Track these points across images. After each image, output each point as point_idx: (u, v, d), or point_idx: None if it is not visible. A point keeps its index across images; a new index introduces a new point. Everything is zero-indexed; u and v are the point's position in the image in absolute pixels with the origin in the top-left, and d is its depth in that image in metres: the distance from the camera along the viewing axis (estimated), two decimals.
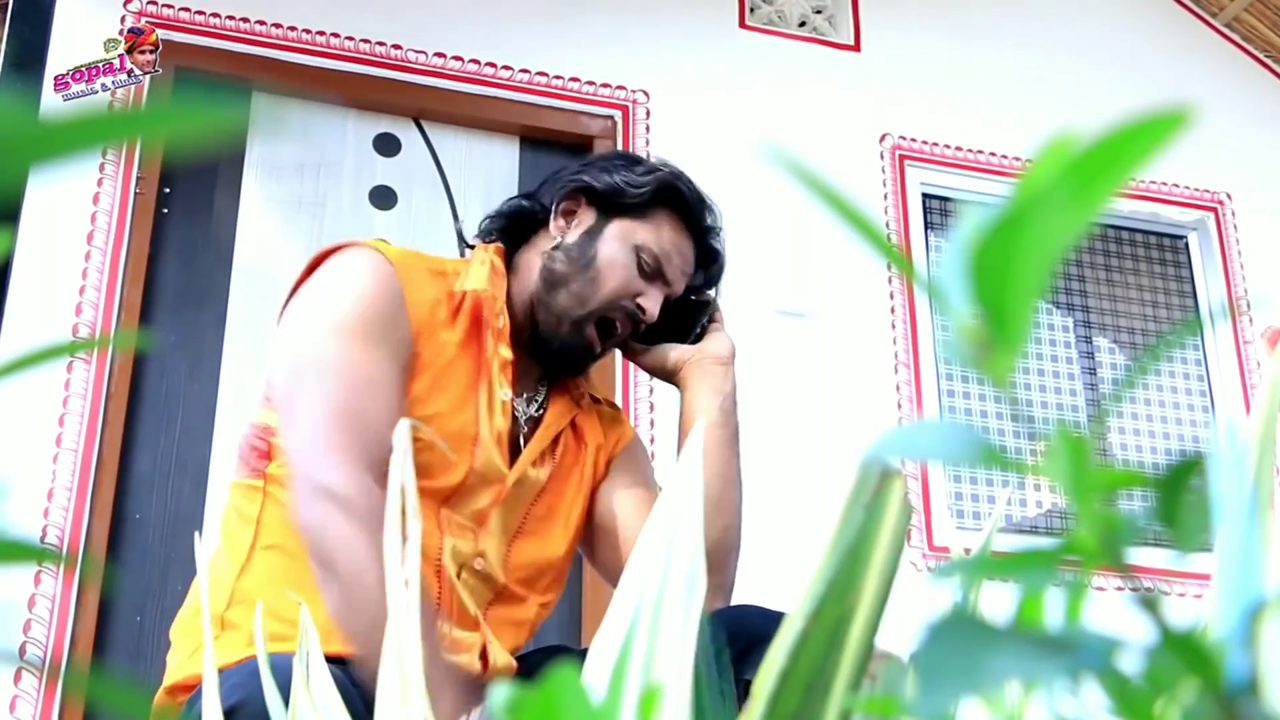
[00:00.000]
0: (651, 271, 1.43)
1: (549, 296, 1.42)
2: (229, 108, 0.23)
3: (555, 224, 1.46)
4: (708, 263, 1.52)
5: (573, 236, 1.44)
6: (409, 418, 1.31)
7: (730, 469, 1.43)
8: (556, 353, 1.44)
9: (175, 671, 1.31)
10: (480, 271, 1.42)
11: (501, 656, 1.36)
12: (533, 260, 1.46)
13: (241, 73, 3.19)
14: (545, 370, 1.49)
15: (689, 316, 1.51)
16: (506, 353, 1.39)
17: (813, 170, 0.28)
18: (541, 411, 1.47)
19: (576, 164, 1.54)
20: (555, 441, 1.47)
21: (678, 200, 1.47)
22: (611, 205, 1.45)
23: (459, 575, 1.34)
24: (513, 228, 1.49)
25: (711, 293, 1.55)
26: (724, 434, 1.44)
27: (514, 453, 1.42)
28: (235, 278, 3.06)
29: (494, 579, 1.37)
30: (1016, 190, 0.28)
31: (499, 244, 1.47)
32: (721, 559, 1.39)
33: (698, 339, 1.51)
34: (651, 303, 1.43)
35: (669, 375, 1.50)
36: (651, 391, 3.14)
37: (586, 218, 1.46)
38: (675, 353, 1.49)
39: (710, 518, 1.34)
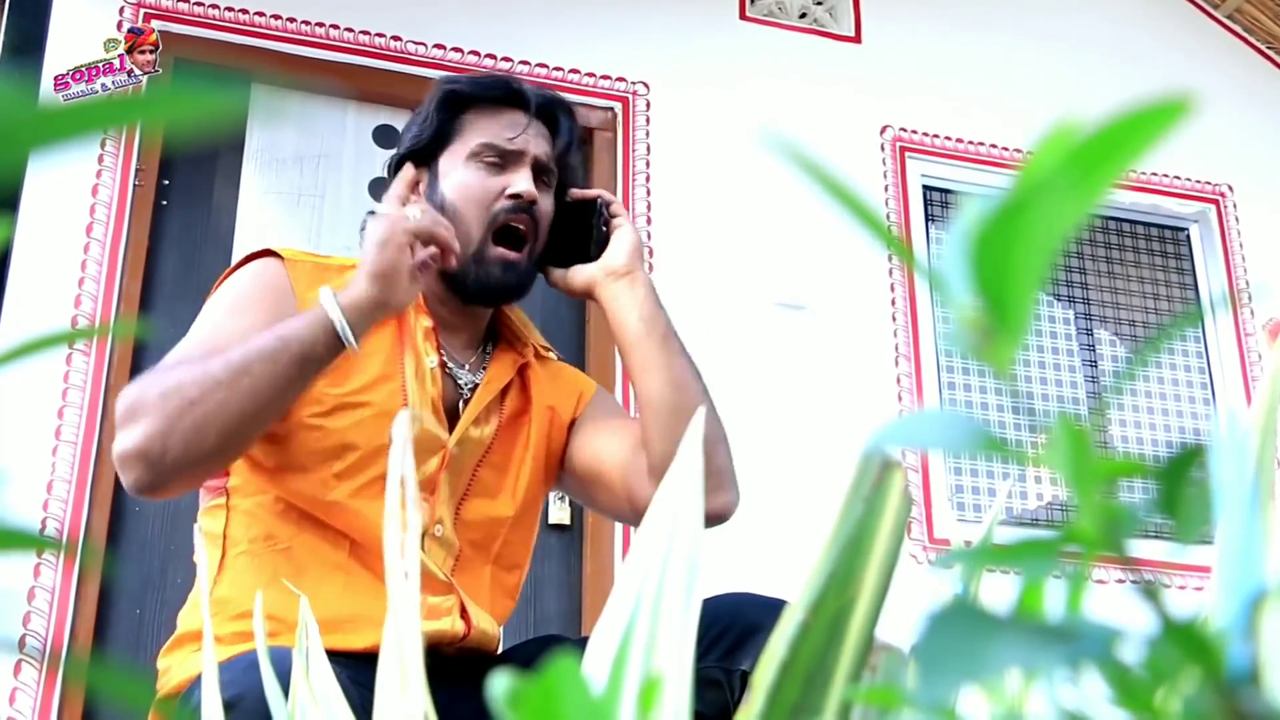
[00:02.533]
0: (499, 159, 1.43)
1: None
2: (228, 94, 0.23)
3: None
4: (547, 105, 1.49)
5: (422, 201, 1.46)
6: (327, 402, 1.33)
7: (675, 370, 1.40)
8: (483, 289, 1.42)
9: (164, 685, 1.32)
10: None
11: (483, 618, 1.37)
12: None
13: (241, 65, 3.19)
14: (490, 327, 1.50)
15: (582, 223, 1.48)
16: (426, 321, 1.41)
17: (813, 158, 0.28)
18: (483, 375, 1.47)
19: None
20: (502, 397, 1.46)
21: (462, 97, 1.47)
22: (425, 153, 1.47)
23: (421, 546, 1.35)
24: None
25: (596, 190, 1.51)
26: (652, 343, 1.40)
27: (457, 419, 1.42)
28: None
29: (451, 543, 1.38)
30: (1018, 179, 0.28)
31: None
32: (708, 452, 1.36)
33: (603, 244, 1.47)
34: (521, 183, 1.42)
35: (589, 296, 1.48)
36: None
37: (422, 178, 1.47)
38: (581, 276, 1.46)
39: (674, 421, 1.35)
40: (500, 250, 1.41)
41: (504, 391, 1.46)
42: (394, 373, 1.38)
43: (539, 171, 1.45)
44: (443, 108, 1.46)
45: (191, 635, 1.32)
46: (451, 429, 1.40)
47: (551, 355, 1.55)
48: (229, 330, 1.31)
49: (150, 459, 1.22)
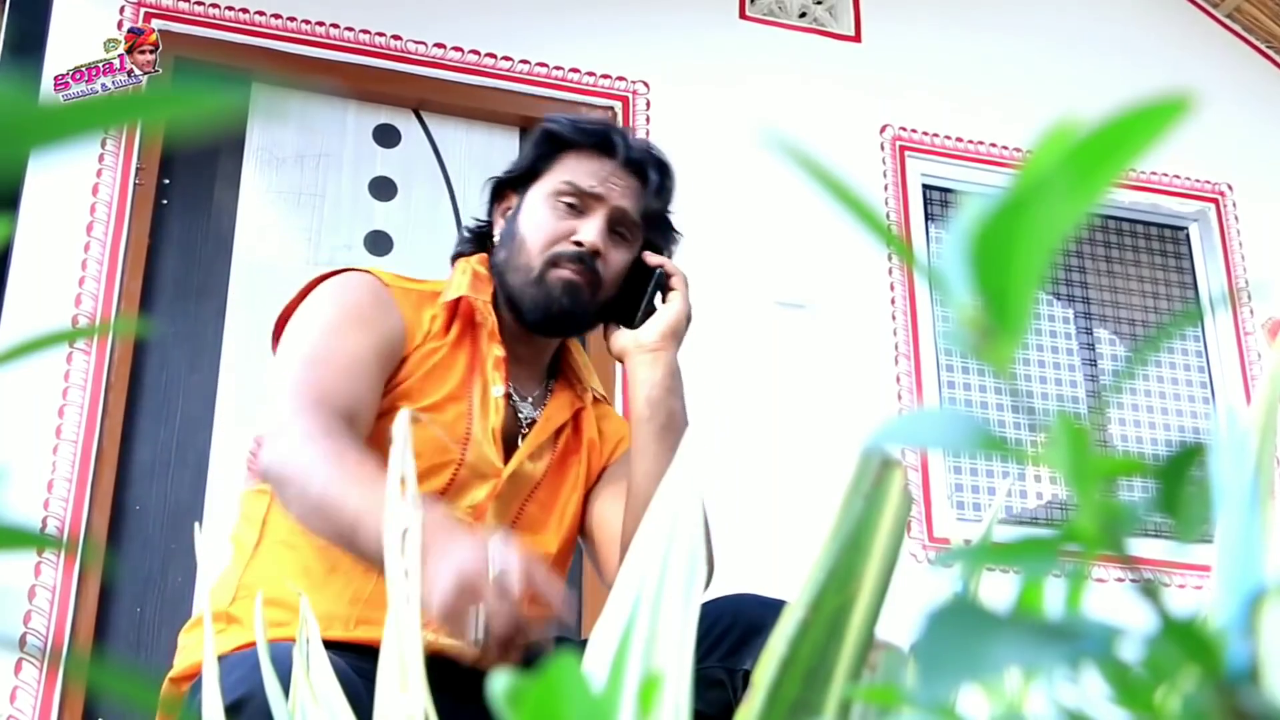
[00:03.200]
0: (579, 205, 1.44)
1: (508, 280, 1.45)
2: (228, 93, 0.23)
3: (497, 226, 1.51)
4: (640, 159, 1.49)
5: (504, 224, 1.49)
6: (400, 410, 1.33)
7: (662, 464, 1.38)
8: (542, 312, 1.43)
9: (179, 663, 1.33)
10: (461, 280, 1.45)
11: None
12: None
13: (241, 64, 3.19)
14: (553, 365, 1.52)
15: (638, 289, 1.48)
16: (499, 350, 1.42)
17: (813, 157, 0.28)
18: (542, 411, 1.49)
19: None
20: (556, 436, 1.48)
21: (565, 139, 1.48)
22: (521, 182, 1.49)
23: None
24: (478, 244, 1.53)
25: (660, 259, 1.50)
26: (650, 430, 1.40)
27: (514, 450, 1.44)
28: (235, 269, 3.06)
29: None
30: (1017, 178, 0.28)
31: (483, 254, 1.50)
32: None
33: (649, 316, 1.47)
34: (588, 232, 1.42)
35: (621, 362, 1.49)
36: None
37: (513, 203, 1.50)
38: (618, 341, 1.47)
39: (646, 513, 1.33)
40: (555, 276, 1.42)
41: (558, 431, 1.48)
42: (463, 395, 1.40)
43: (617, 222, 1.45)
44: (541, 144, 1.49)
45: (215, 615, 1.33)
46: (507, 460, 1.42)
47: (606, 402, 1.57)
48: (339, 346, 1.32)
49: (267, 477, 1.26)
